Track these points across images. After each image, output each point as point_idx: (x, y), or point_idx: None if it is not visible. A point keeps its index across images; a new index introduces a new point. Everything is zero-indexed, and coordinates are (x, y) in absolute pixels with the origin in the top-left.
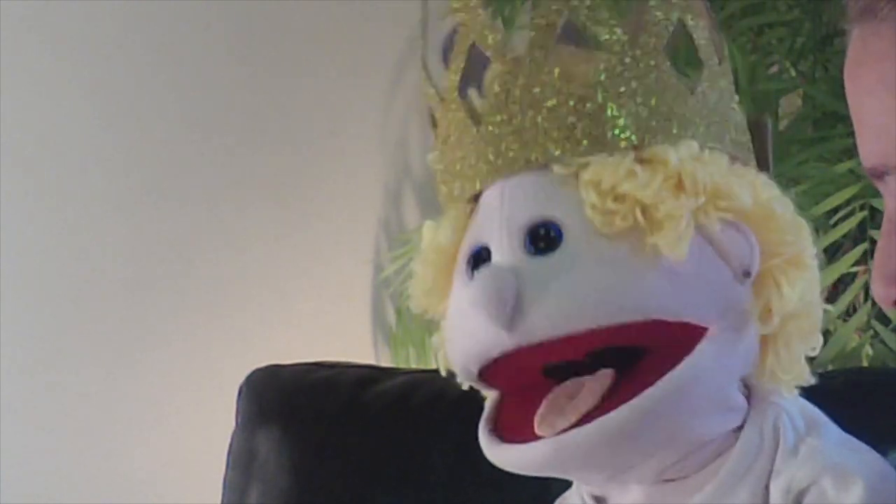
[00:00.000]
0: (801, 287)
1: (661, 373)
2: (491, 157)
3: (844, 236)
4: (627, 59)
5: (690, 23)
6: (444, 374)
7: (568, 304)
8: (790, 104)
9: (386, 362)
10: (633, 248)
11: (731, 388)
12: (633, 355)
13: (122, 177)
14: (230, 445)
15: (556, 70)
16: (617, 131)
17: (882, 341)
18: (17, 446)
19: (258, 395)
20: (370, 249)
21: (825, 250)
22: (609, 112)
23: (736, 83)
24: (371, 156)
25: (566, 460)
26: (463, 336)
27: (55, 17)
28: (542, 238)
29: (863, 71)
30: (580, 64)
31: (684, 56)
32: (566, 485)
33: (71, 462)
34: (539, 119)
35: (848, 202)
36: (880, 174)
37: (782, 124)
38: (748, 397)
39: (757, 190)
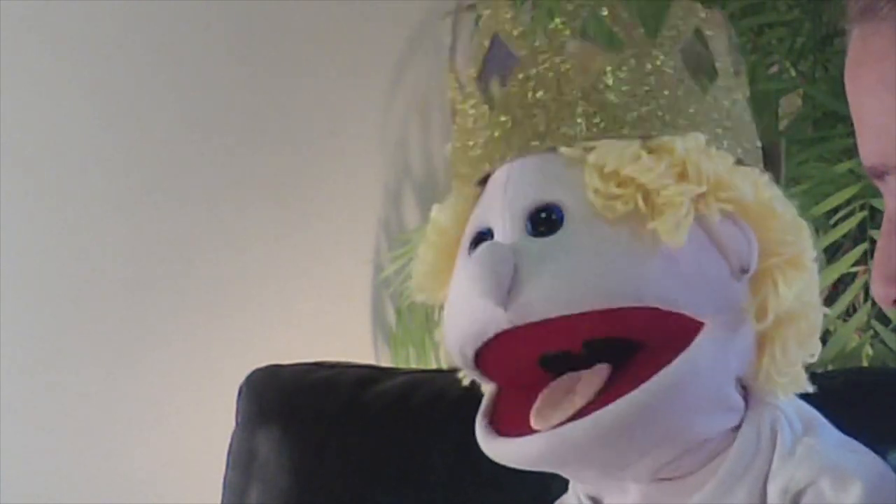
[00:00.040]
0: (798, 288)
1: (657, 368)
2: (501, 139)
3: (844, 236)
4: (643, 56)
5: (708, 33)
6: (445, 365)
7: (564, 284)
8: (790, 104)
9: (386, 362)
10: (633, 234)
11: (727, 385)
12: (630, 349)
13: (122, 177)
14: (230, 445)
15: (572, 61)
16: (626, 123)
17: (882, 341)
18: (17, 446)
19: (258, 395)
20: (370, 249)
21: (825, 250)
22: (619, 102)
23: None
24: (371, 156)
25: (561, 454)
26: (460, 314)
27: (55, 17)
28: (544, 221)
29: (863, 70)
30: (596, 57)
31: (700, 63)
32: (566, 485)
33: (71, 462)
34: (551, 105)
35: (848, 202)
36: (880, 174)
37: (782, 124)
38: (746, 398)
39: (759, 188)
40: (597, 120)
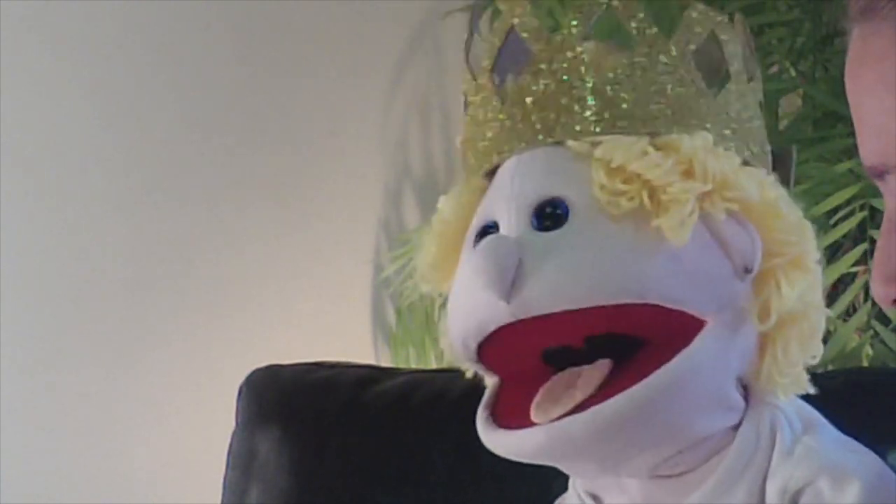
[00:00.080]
0: (801, 288)
1: (658, 364)
2: (510, 131)
3: (844, 236)
4: (655, 57)
5: (724, 37)
6: (445, 364)
7: (567, 280)
8: (790, 104)
9: (386, 362)
10: (637, 230)
11: (728, 384)
12: (631, 346)
13: (122, 177)
14: (230, 445)
15: (585, 58)
16: (635, 119)
17: (882, 341)
18: (17, 446)
19: (258, 395)
20: (370, 249)
21: (825, 250)
22: (629, 99)
23: None
24: (371, 156)
25: (559, 448)
26: (463, 306)
27: (55, 17)
28: (549, 216)
29: (863, 70)
30: (609, 55)
31: (713, 65)
32: (566, 485)
33: (71, 462)
34: (561, 99)
35: (848, 202)
36: (880, 173)
37: (782, 124)
38: (746, 398)
39: (764, 188)
40: (606, 115)
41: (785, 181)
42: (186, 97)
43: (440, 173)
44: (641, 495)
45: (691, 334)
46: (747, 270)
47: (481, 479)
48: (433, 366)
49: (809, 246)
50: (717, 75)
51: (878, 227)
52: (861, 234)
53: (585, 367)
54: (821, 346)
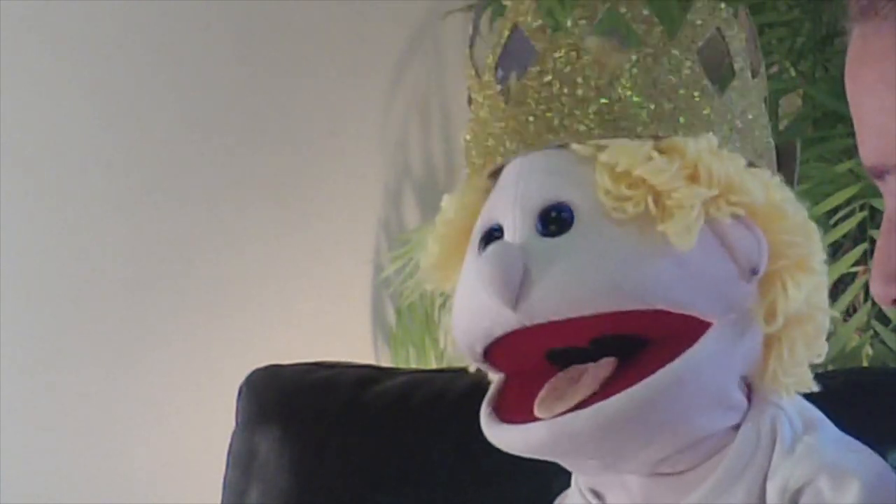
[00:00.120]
0: (808, 290)
1: (662, 364)
2: (514, 132)
3: (844, 236)
4: (660, 55)
5: (728, 33)
6: (446, 364)
7: (573, 288)
8: (790, 104)
9: (386, 362)
10: (643, 236)
11: (731, 385)
12: (636, 345)
13: (122, 177)
14: (230, 445)
15: (589, 57)
16: (640, 121)
17: (882, 341)
18: (17, 446)
19: (258, 395)
20: (370, 249)
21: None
22: (634, 100)
23: None
24: (371, 156)
25: (561, 443)
26: (469, 313)
27: (55, 17)
28: (554, 220)
29: (863, 70)
30: (613, 54)
31: (717, 63)
32: (566, 485)
33: (71, 462)
34: (565, 100)
35: (848, 202)
36: (880, 173)
37: (782, 124)
38: (748, 396)
39: (770, 190)
40: (609, 117)
41: (789, 177)
42: (186, 97)
43: (440, 173)
44: (642, 493)
45: (696, 335)
46: (754, 273)
47: (481, 479)
48: (433, 366)
49: (815, 247)
50: (721, 74)
51: (878, 227)
52: (861, 234)
53: (590, 365)
54: (825, 345)
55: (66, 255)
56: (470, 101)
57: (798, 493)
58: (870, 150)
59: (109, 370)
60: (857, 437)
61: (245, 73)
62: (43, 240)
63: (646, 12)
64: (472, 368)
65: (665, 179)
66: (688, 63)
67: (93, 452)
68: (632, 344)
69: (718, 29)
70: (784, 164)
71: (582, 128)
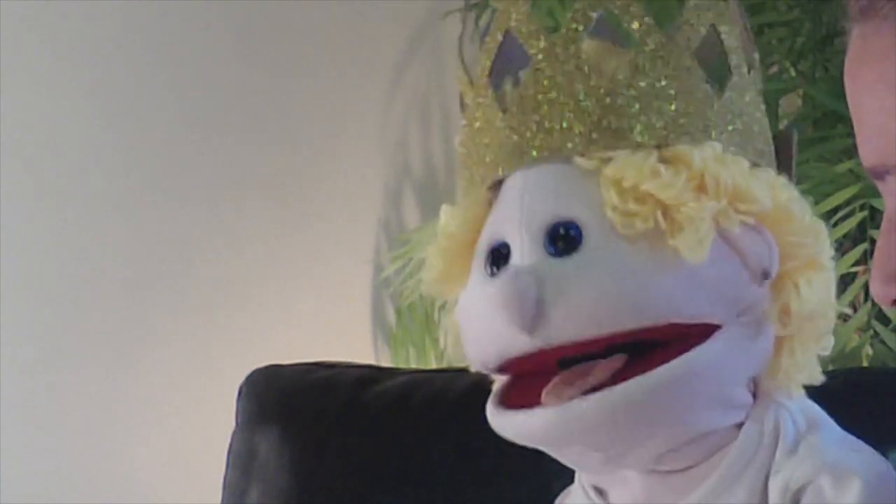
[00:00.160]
0: (820, 288)
1: (671, 358)
2: (514, 145)
3: (844, 236)
4: (658, 58)
5: (723, 29)
6: (445, 365)
7: (588, 310)
8: (790, 104)
9: (386, 362)
10: (653, 251)
11: (738, 384)
12: (649, 346)
13: (122, 177)
14: (230, 445)
15: (586, 64)
16: (641, 128)
17: (882, 341)
18: (17, 446)
19: (258, 395)
20: (370, 249)
21: None
22: (634, 109)
23: None
24: (371, 156)
25: (567, 429)
26: (483, 336)
27: (55, 17)
28: (562, 238)
29: (863, 70)
30: (611, 59)
31: (715, 63)
32: (566, 485)
33: (71, 462)
34: (564, 111)
35: (848, 202)
36: (880, 173)
37: (782, 124)
38: (753, 394)
39: (776, 191)
40: (611, 129)
41: (787, 167)
42: (186, 97)
43: (440, 173)
44: (645, 489)
45: (708, 336)
46: (765, 276)
47: (481, 479)
48: (433, 366)
49: (824, 245)
50: (719, 73)
51: (878, 227)
52: (861, 234)
53: (601, 361)
54: (832, 338)
55: (66, 255)
56: (462, 105)
57: (800, 492)
58: (870, 151)
59: (109, 370)
60: (857, 438)
61: (245, 73)
62: (43, 240)
63: (646, 18)
64: (472, 369)
65: (673, 194)
66: (683, 65)
67: (93, 452)
68: (644, 345)
69: (713, 25)
70: (780, 153)
71: (581, 145)
